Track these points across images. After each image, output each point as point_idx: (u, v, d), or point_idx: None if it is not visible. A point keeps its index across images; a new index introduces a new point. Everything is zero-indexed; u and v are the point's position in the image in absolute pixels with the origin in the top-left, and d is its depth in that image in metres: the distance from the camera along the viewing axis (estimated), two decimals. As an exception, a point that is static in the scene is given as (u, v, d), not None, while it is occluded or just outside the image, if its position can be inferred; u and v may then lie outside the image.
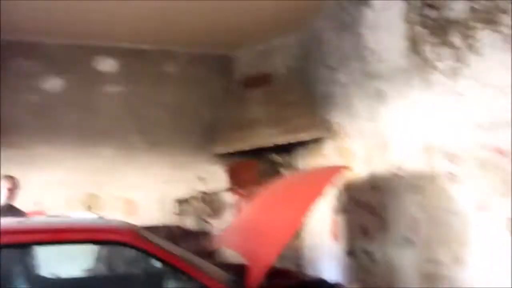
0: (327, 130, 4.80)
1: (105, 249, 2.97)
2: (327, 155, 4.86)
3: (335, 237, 4.73)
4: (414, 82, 3.38)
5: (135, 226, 2.73)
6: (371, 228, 4.09)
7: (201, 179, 5.41)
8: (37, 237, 2.23)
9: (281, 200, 3.25)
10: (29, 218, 3.35)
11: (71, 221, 2.64)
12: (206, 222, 5.21)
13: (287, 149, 5.48)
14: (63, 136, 5.03)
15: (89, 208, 4.84)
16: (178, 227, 5.09)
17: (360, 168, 4.16)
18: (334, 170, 3.13)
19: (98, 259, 3.01)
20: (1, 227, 2.24)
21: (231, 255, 4.92)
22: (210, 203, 5.32)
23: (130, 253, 2.68)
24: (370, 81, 4.02)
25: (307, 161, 5.39)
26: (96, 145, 5.10)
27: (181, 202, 5.25)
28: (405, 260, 3.62)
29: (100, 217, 3.50)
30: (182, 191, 5.29)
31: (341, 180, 3.48)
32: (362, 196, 4.24)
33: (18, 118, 4.91)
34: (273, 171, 5.65)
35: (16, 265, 2.65)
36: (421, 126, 3.32)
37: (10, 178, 3.83)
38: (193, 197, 5.28)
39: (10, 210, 3.62)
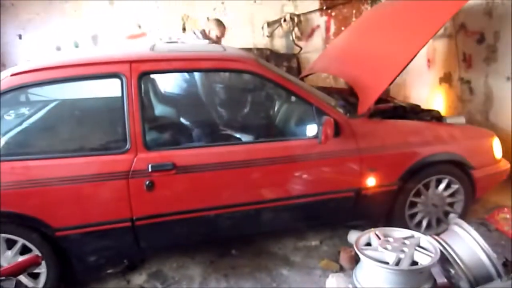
0: None
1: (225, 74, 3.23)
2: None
3: (430, 63, 4.66)
4: None
5: (253, 54, 2.88)
6: (475, 57, 3.95)
7: (291, -2, 5.21)
8: (177, 65, 2.48)
9: (395, 31, 3.12)
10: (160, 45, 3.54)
11: (199, 50, 2.79)
12: (296, 44, 5.23)
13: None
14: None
15: (184, 30, 4.99)
16: (269, 50, 5.20)
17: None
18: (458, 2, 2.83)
19: (219, 82, 3.31)
20: (143, 56, 2.48)
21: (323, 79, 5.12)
22: (300, 25, 5.24)
23: (249, 78, 2.92)
24: None
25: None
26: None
27: (271, 23, 5.21)
28: (507, 94, 3.59)
29: (209, 43, 3.65)
30: (272, 12, 5.19)
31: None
32: (472, 22, 3.95)
33: None
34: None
35: (154, 87, 3.03)
36: None
37: (220, 24, 3.68)
38: (282, 19, 5.19)
39: None
